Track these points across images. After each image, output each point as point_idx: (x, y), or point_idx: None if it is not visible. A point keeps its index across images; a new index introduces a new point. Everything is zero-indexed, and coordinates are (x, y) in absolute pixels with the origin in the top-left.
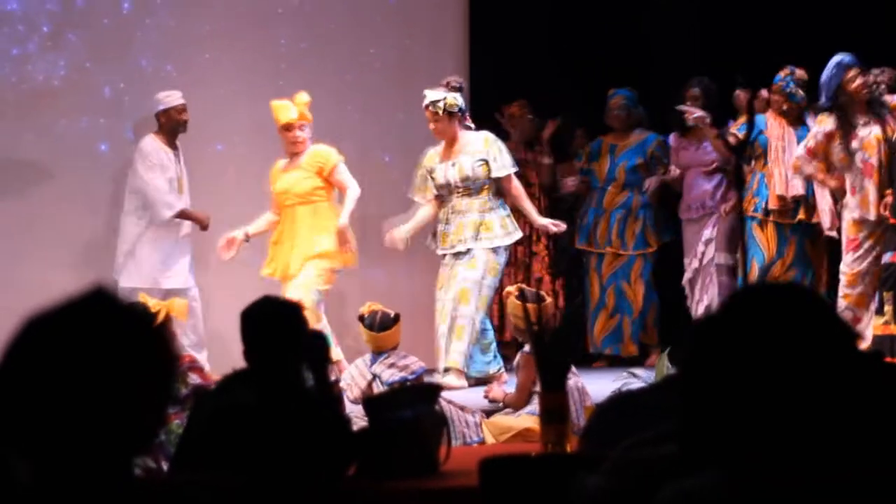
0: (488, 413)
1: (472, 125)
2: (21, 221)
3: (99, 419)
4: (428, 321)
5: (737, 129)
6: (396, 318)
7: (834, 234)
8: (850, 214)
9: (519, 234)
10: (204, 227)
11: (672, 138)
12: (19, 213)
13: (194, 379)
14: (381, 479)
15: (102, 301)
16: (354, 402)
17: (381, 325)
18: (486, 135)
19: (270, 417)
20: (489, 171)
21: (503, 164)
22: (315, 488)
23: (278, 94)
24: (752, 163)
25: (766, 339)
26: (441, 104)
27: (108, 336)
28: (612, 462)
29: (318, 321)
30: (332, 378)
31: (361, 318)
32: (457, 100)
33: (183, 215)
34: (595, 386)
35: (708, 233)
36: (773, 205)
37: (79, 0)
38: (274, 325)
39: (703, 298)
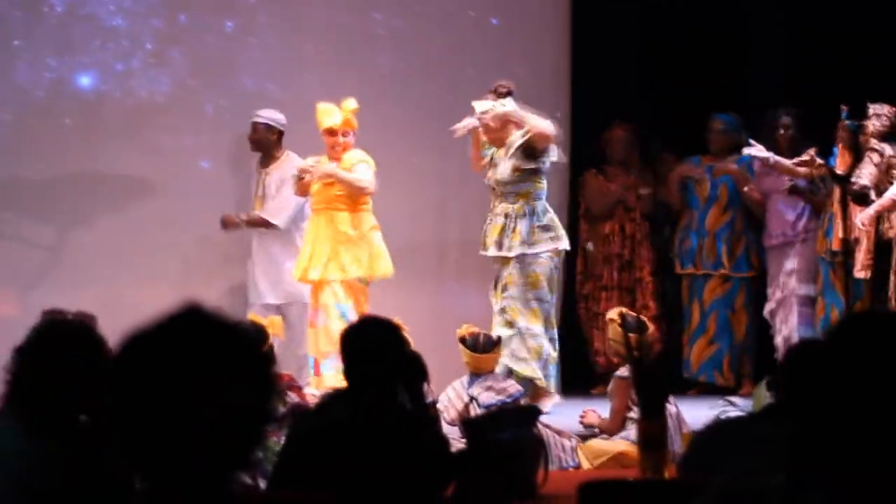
0: (584, 438)
1: None
2: (123, 237)
3: (197, 434)
4: None
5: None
6: (498, 341)
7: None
8: None
9: (550, 245)
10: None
11: (756, 164)
12: (121, 229)
13: (292, 398)
14: (479, 501)
15: (199, 318)
16: (451, 423)
17: (483, 346)
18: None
19: (367, 437)
20: (525, 172)
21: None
22: None
23: (378, 114)
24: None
25: (875, 366)
26: (490, 115)
27: (204, 353)
28: (717, 490)
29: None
30: (429, 399)
31: (463, 340)
32: (505, 106)
33: None
34: (691, 413)
35: (790, 263)
36: (836, 246)
37: (183, 17)
38: (373, 345)
39: (783, 329)
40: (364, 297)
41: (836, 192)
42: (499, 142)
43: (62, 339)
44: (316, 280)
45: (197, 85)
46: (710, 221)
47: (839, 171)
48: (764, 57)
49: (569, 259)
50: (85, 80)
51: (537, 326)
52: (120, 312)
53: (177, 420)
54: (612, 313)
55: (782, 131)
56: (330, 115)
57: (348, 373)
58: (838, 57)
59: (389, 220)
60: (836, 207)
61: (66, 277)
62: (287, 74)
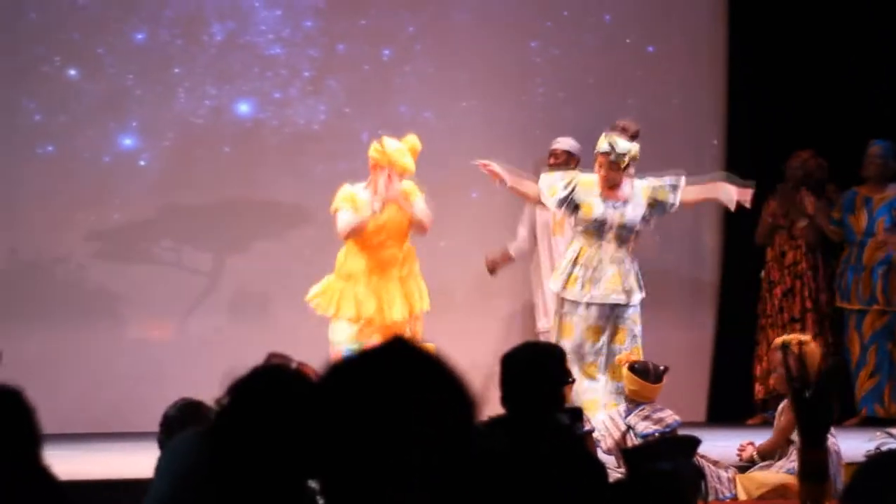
0: (741, 469)
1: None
2: (280, 264)
3: (403, 470)
4: None
5: None
6: (666, 371)
7: None
8: None
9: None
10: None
11: None
12: (278, 256)
13: None
14: None
15: (406, 351)
16: (608, 452)
17: (655, 375)
18: (646, 185)
19: (528, 465)
20: (645, 224)
21: (673, 191)
22: None
23: (534, 143)
24: None
25: None
26: (627, 158)
27: (412, 386)
28: None
29: None
30: (587, 427)
31: (633, 368)
32: (638, 151)
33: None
34: (849, 444)
35: None
36: None
37: (340, 46)
38: (537, 372)
39: None
40: None
41: None
42: (613, 182)
43: (273, 386)
44: (398, 320)
45: (353, 113)
46: (867, 256)
47: None
48: None
49: (723, 287)
50: (243, 108)
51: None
52: (278, 338)
53: (382, 455)
54: (778, 341)
55: None
56: (408, 158)
57: (508, 399)
58: None
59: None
60: None
61: (224, 303)
62: (443, 102)
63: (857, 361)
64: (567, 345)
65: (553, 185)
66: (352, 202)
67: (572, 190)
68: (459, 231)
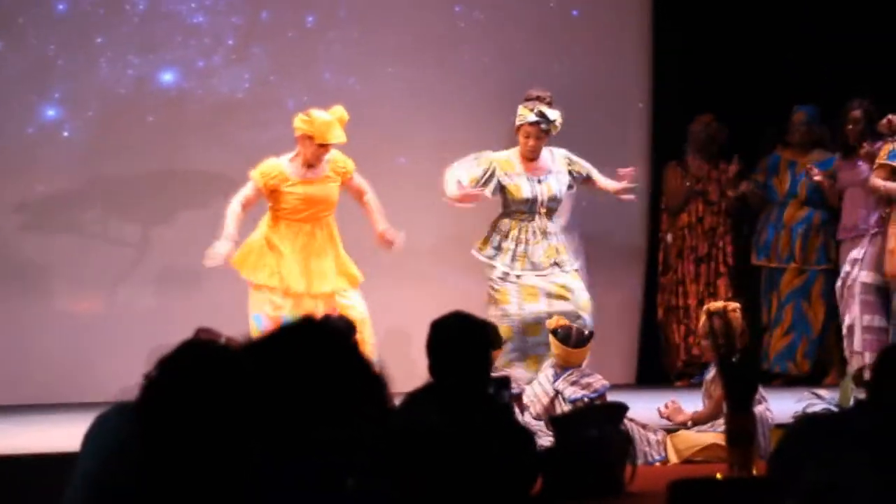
0: (669, 431)
1: None
2: (206, 233)
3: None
4: None
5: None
6: (591, 336)
7: None
8: None
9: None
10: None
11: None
12: (204, 225)
13: None
14: (567, 499)
15: (310, 326)
16: (537, 417)
17: (577, 340)
18: (563, 153)
19: (459, 435)
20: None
21: (582, 165)
22: None
23: (462, 108)
24: None
25: None
26: (558, 125)
27: (312, 353)
28: (810, 487)
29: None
30: (515, 391)
31: (554, 332)
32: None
33: None
34: (777, 406)
35: (856, 252)
36: None
37: (263, 13)
38: (468, 342)
39: (846, 318)
40: None
41: None
42: (536, 152)
43: (200, 360)
44: (328, 292)
45: (277, 80)
46: (788, 215)
47: None
48: (842, 46)
49: (650, 252)
50: (167, 77)
51: None
52: (205, 308)
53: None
54: (704, 309)
55: (851, 126)
56: (337, 131)
57: (436, 368)
58: None
59: (479, 212)
60: None
61: (151, 274)
62: (368, 69)
63: (773, 319)
64: (508, 309)
65: (471, 175)
66: (278, 180)
67: (492, 174)
68: (385, 197)
